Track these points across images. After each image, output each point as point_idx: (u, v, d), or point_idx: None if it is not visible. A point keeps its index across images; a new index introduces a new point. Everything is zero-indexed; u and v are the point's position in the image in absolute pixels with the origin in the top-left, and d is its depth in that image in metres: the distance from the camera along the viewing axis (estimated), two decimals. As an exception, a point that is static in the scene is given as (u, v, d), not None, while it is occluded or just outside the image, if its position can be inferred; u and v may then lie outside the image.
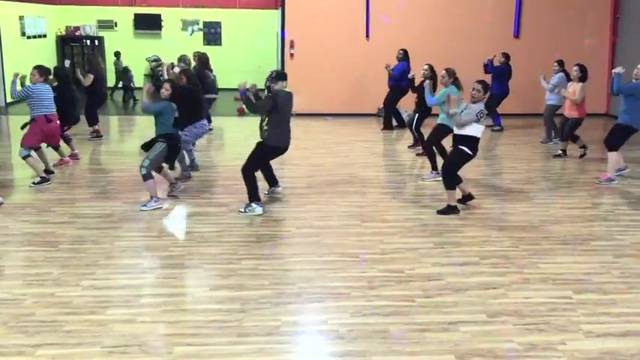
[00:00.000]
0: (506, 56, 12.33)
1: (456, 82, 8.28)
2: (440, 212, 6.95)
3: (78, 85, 10.49)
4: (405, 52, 12.10)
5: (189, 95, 8.12)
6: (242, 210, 6.88)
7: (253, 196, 6.92)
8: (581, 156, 9.90)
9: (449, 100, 7.15)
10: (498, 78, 12.13)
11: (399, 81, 11.73)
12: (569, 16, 14.19)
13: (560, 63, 11.12)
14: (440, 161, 8.28)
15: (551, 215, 7.01)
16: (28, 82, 8.27)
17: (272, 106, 6.85)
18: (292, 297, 4.83)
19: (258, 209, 6.87)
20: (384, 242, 6.10)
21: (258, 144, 7.10)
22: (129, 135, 11.78)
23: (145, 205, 6.99)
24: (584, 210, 7.28)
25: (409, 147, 10.67)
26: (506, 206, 7.29)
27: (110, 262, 5.48)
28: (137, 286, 4.99)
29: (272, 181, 7.57)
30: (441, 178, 7.34)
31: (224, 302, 4.71)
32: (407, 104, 12.15)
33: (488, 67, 12.20)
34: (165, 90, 7.15)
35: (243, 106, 7.73)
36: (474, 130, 6.75)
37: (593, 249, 5.99)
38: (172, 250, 5.90)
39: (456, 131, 6.89)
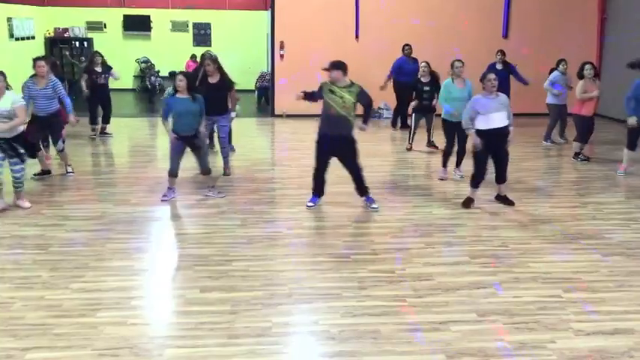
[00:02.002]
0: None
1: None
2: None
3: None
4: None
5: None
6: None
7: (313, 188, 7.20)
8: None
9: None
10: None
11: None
12: (556, 16, 14.27)
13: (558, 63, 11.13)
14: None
15: (540, 214, 7.05)
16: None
17: (315, 95, 7.29)
18: (283, 298, 4.83)
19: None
20: (374, 242, 6.11)
21: None
22: (119, 136, 11.71)
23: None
24: (574, 209, 7.32)
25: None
26: (496, 206, 7.32)
27: (100, 265, 5.45)
28: (128, 289, 4.97)
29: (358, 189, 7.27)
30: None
31: (215, 304, 4.71)
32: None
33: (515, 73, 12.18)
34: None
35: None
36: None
37: (582, 247, 6.03)
38: (163, 252, 5.90)
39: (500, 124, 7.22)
